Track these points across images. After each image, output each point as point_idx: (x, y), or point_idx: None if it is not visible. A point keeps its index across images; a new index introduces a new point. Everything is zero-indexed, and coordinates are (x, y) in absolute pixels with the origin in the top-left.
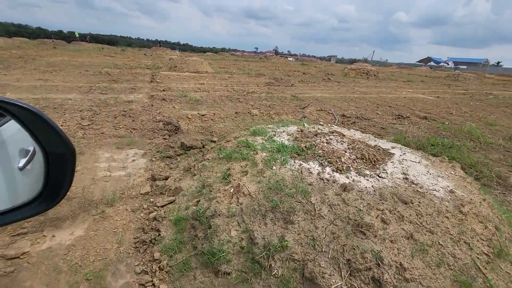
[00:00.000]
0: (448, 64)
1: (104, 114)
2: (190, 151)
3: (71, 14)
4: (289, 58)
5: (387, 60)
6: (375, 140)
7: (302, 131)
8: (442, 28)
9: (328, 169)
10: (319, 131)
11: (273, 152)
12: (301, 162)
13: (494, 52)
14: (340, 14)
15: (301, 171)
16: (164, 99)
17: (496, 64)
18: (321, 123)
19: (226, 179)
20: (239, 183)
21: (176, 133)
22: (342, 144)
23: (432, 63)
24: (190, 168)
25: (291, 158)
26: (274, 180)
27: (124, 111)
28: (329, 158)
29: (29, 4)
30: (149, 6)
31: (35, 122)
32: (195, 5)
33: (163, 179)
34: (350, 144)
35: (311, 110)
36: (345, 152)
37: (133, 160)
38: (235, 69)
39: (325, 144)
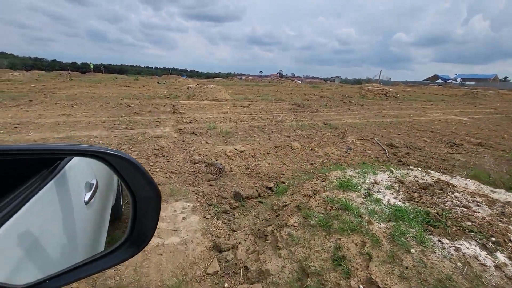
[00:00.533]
0: (456, 81)
1: (135, 154)
2: (246, 202)
3: (84, 47)
4: (298, 81)
5: (390, 78)
6: (492, 191)
7: (402, 182)
8: (443, 47)
9: (503, 257)
10: (421, 180)
11: (391, 220)
12: (448, 241)
13: (498, 67)
14: (340, 37)
15: (467, 262)
16: (193, 133)
17: (503, 79)
18: (371, 156)
19: (340, 264)
20: (369, 277)
21: (220, 175)
22: (479, 205)
23: (439, 81)
24: (267, 235)
25: (427, 232)
26: (433, 278)
27: (156, 149)
28: (491, 234)
29: (45, 39)
30: (157, 36)
31: (126, 168)
32: (201, 34)
33: (230, 249)
34: (491, 206)
35: (353, 140)
36: (502, 222)
37: (184, 219)
38: (251, 95)
39: (463, 208)
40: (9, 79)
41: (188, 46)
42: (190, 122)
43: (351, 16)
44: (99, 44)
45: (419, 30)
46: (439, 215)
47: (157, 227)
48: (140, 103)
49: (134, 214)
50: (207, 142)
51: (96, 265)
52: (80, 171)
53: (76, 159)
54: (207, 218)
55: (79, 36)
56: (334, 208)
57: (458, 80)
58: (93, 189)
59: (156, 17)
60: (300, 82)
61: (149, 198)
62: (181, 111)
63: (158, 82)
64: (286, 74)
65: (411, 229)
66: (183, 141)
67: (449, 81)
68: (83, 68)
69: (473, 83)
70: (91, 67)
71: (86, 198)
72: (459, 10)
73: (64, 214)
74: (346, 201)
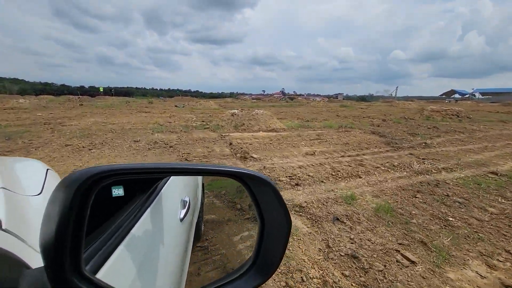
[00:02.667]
0: (475, 96)
1: None
2: None
3: (92, 71)
4: (318, 99)
5: (391, 94)
6: None
7: None
8: (441, 62)
9: None
10: None
11: None
12: None
13: (496, 81)
14: (339, 56)
15: None
16: (338, 219)
17: None
18: None
19: None
20: None
21: None
22: None
23: (456, 95)
24: None
25: None
26: None
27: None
28: None
29: (55, 65)
30: (162, 59)
31: (263, 192)
32: (204, 57)
33: None
34: None
35: None
36: None
37: None
38: (296, 120)
39: None
40: (13, 107)
41: (191, 67)
42: (296, 185)
43: (349, 36)
44: (106, 68)
45: (416, 48)
46: None
47: None
48: (180, 139)
49: (261, 239)
50: (411, 263)
51: None
52: (175, 189)
53: (172, 178)
54: None
55: (87, 61)
56: None
57: (477, 94)
58: (186, 206)
59: (161, 42)
60: (319, 100)
61: (279, 226)
62: (253, 155)
63: (176, 106)
64: (288, 92)
65: None
66: (353, 258)
67: (467, 95)
68: (91, 91)
69: (490, 97)
70: (101, 90)
71: (181, 215)
72: (454, 27)
73: (165, 230)
74: None
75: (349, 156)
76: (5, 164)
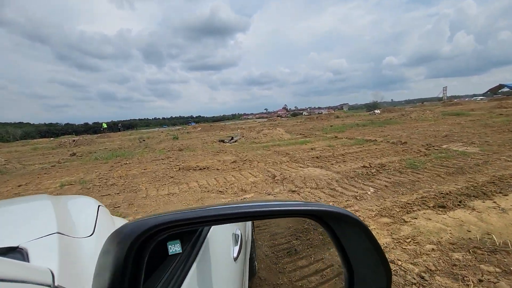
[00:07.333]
0: None
1: None
2: None
3: (96, 107)
4: (323, 112)
5: (392, 99)
6: None
7: None
8: (434, 63)
9: None
10: None
11: None
12: None
13: (495, 76)
14: (333, 68)
15: None
16: None
17: None
18: None
19: None
20: None
21: None
22: None
23: (505, 89)
24: None
25: None
26: None
27: None
28: None
29: (60, 106)
30: (162, 90)
31: (351, 235)
32: (202, 83)
33: None
34: None
35: None
36: None
37: None
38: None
39: None
40: None
41: (191, 94)
42: None
43: (340, 48)
44: (109, 104)
45: (407, 52)
46: None
47: None
48: None
49: None
50: None
51: None
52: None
53: None
54: None
55: (91, 99)
56: None
57: None
58: (239, 241)
59: (160, 73)
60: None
61: (374, 278)
62: None
63: (223, 141)
64: (290, 108)
65: None
66: None
67: None
68: (94, 128)
69: None
70: (104, 126)
71: (235, 254)
72: (441, 29)
73: (219, 274)
74: None
75: None
76: (60, 204)
